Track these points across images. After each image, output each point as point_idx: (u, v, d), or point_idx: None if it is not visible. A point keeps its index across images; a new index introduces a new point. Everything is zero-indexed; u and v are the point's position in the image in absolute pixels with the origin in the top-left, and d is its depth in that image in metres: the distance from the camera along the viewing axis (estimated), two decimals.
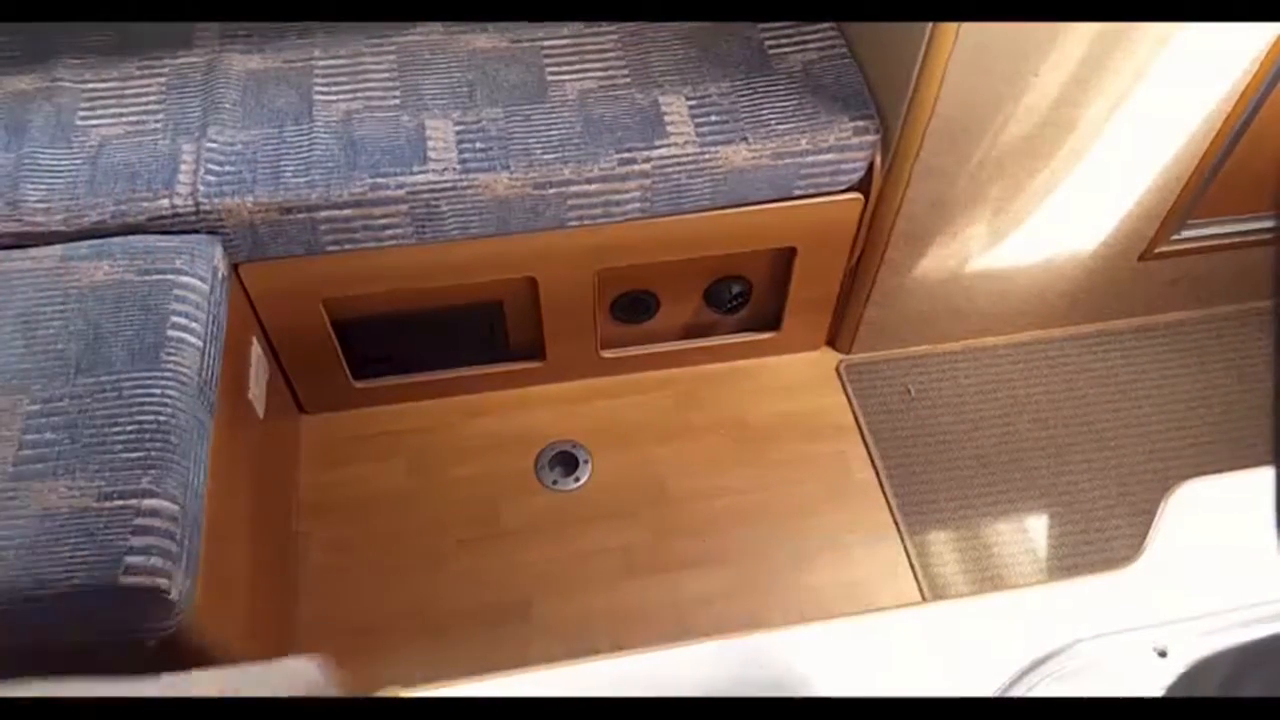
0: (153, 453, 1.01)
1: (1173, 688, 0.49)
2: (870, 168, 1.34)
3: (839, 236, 1.44)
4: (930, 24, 1.14)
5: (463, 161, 1.24)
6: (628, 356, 1.61)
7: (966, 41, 1.14)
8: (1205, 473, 0.82)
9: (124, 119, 1.28)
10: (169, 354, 1.08)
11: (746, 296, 1.57)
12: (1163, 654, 0.72)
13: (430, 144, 1.25)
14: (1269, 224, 1.59)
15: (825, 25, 1.41)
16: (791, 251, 1.46)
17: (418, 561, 1.43)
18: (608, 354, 1.59)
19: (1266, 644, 0.43)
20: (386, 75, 1.34)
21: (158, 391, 1.05)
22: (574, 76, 1.35)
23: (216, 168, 1.22)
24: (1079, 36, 1.17)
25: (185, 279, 1.15)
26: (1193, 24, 1.19)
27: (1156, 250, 1.59)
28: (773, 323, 1.62)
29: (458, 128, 1.28)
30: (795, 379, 1.67)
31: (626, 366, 1.63)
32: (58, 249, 1.17)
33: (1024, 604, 0.77)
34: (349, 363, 1.49)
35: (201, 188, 1.20)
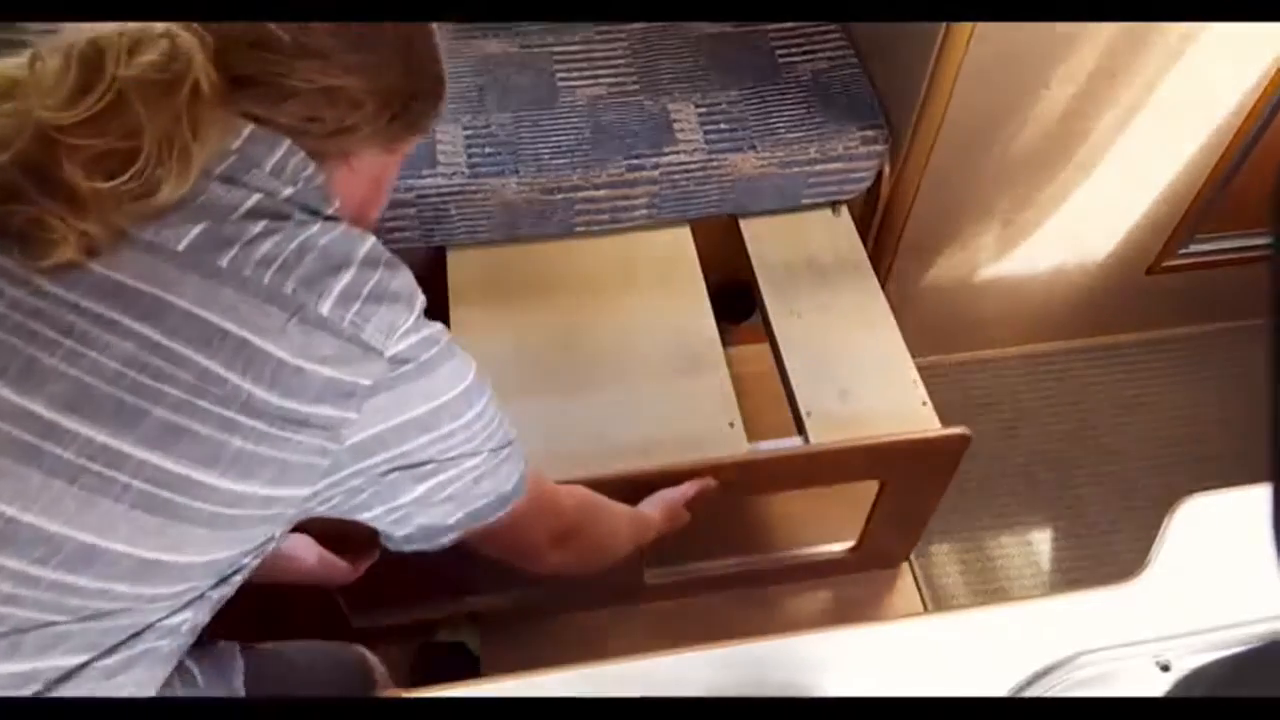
0: None
1: (1172, 691, 0.49)
2: (879, 177, 1.34)
3: (937, 472, 1.20)
4: (940, 34, 1.14)
5: (471, 166, 1.25)
6: (675, 583, 1.36)
7: (977, 52, 1.14)
8: (1211, 488, 0.82)
9: None
10: None
11: (752, 308, 1.57)
12: (1165, 668, 0.72)
13: (439, 148, 1.26)
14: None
15: (836, 34, 1.41)
16: (878, 480, 1.24)
17: None
18: (653, 579, 1.34)
19: (1261, 651, 0.44)
20: None
21: None
22: (584, 82, 1.35)
23: None
24: (1090, 49, 1.17)
25: None
26: (1204, 36, 1.19)
27: (1164, 264, 1.58)
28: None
29: (467, 132, 1.28)
30: None
31: (673, 592, 1.37)
32: None
33: (1027, 616, 0.77)
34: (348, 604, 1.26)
35: None
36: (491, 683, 0.71)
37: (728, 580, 1.39)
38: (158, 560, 0.53)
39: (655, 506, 1.00)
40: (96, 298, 0.52)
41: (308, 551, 0.90)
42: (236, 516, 0.55)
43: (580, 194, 1.27)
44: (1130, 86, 1.24)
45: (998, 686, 0.71)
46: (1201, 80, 1.25)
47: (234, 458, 0.53)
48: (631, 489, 1.01)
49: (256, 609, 1.11)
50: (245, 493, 0.54)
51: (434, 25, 0.67)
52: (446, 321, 1.25)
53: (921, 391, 1.18)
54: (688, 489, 1.04)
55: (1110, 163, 1.35)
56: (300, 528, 0.90)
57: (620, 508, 0.92)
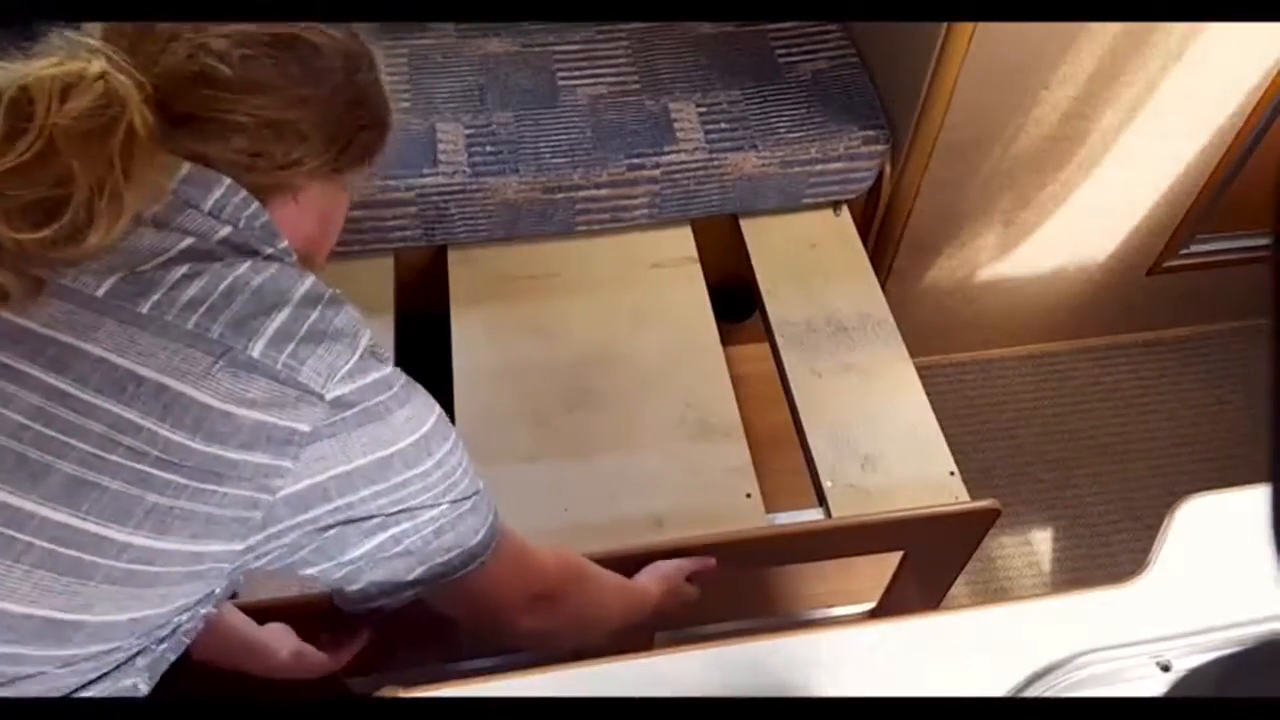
0: None
1: (1170, 691, 0.49)
2: (879, 177, 1.34)
3: (963, 542, 1.16)
4: (941, 35, 1.14)
5: (472, 165, 1.25)
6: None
7: (978, 52, 1.14)
8: (1211, 488, 0.82)
9: None
10: None
11: (752, 308, 1.57)
12: (1166, 668, 0.72)
13: (440, 147, 1.26)
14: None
15: (837, 34, 1.41)
16: (900, 552, 1.22)
17: None
18: (663, 641, 1.27)
19: (1260, 650, 0.44)
20: (398, 78, 1.35)
21: None
22: (585, 82, 1.35)
23: None
24: (1090, 49, 1.17)
25: None
26: (1205, 37, 1.19)
27: (1165, 265, 1.58)
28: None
29: (468, 131, 1.28)
30: None
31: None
32: None
33: (1027, 616, 0.77)
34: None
35: None
36: (491, 682, 0.71)
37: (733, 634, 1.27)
38: (68, 620, 0.49)
39: (653, 579, 0.92)
40: (1, 346, 0.49)
41: (282, 643, 0.85)
42: (158, 574, 0.51)
43: (581, 193, 1.27)
44: (1131, 87, 1.24)
45: (998, 686, 0.71)
46: (1202, 80, 1.25)
47: (148, 512, 0.50)
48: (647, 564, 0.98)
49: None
50: (164, 549, 0.51)
51: (378, 55, 0.64)
52: (447, 320, 1.27)
53: (949, 459, 1.13)
54: (685, 563, 0.96)
55: (1111, 163, 1.35)
56: (281, 614, 0.86)
57: (611, 576, 0.84)
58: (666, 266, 1.33)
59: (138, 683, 0.56)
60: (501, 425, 1.16)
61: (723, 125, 1.30)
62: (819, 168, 1.30)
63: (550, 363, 1.22)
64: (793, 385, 1.20)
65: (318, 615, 1.01)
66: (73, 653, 0.51)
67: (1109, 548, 1.51)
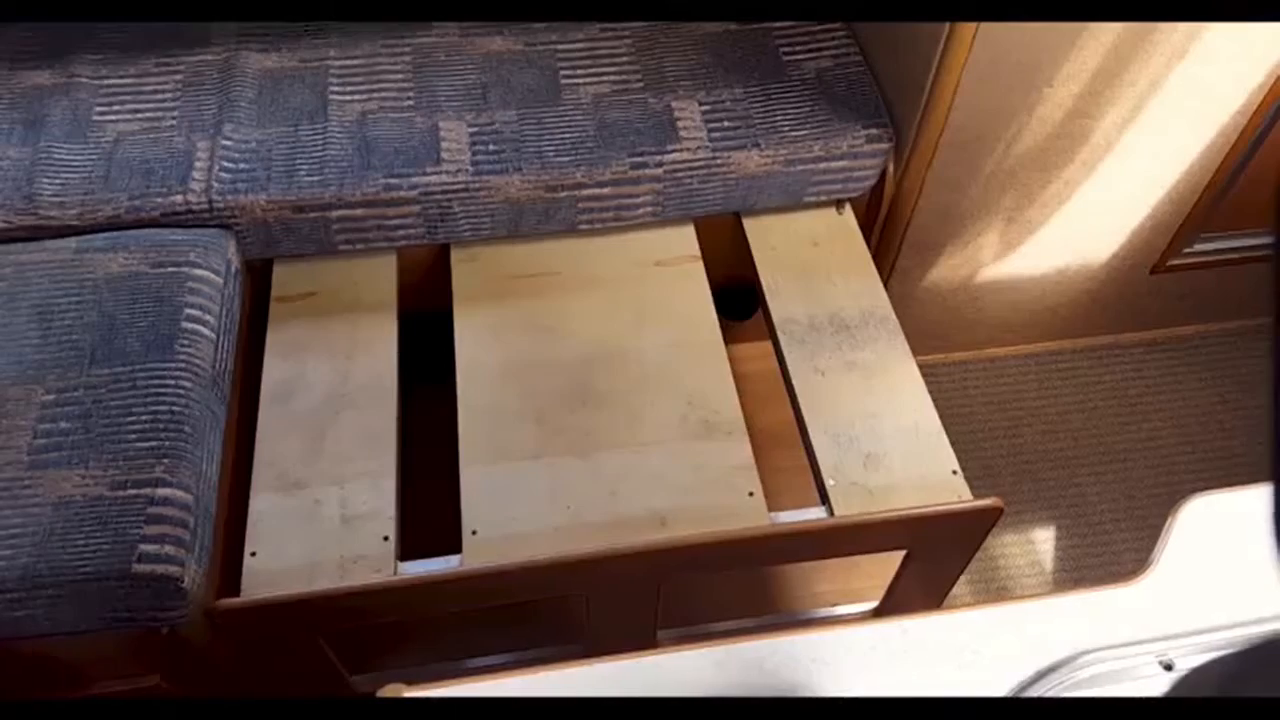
0: (166, 443, 1.02)
1: (1173, 690, 0.49)
2: (883, 175, 1.34)
3: (966, 541, 1.16)
4: (945, 33, 1.14)
5: (475, 163, 1.25)
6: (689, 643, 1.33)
7: (981, 51, 1.14)
8: (1214, 487, 0.82)
9: (140, 115, 1.29)
10: (183, 345, 1.09)
11: (755, 306, 1.57)
12: (1168, 667, 0.72)
13: (444, 145, 1.26)
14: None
15: (840, 33, 1.41)
16: (903, 551, 1.21)
17: None
18: (666, 640, 1.30)
19: (1265, 646, 0.44)
20: (401, 76, 1.35)
21: (171, 382, 1.06)
22: (588, 80, 1.35)
23: (231, 165, 1.23)
24: (1094, 47, 1.17)
25: (199, 272, 1.16)
26: (1209, 34, 1.18)
27: (1169, 263, 1.58)
28: None
29: (471, 129, 1.28)
30: None
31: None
32: (72, 241, 1.18)
33: (1029, 615, 0.77)
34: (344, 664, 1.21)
35: (215, 184, 1.21)
36: (491, 682, 0.71)
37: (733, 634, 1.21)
38: None
39: None
40: None
41: None
42: None
43: (584, 191, 1.27)
44: (1135, 85, 1.23)
45: (1000, 686, 0.71)
46: (1206, 79, 1.24)
47: None
48: (652, 563, 0.98)
49: (250, 669, 1.09)
50: None
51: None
52: (450, 318, 1.27)
53: (951, 458, 1.13)
54: None
55: (1114, 161, 1.35)
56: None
57: None
58: (669, 265, 1.33)
59: None
60: (504, 423, 1.16)
61: (726, 124, 1.30)
62: (822, 166, 1.30)
63: (553, 361, 1.22)
64: (795, 383, 1.20)
65: (321, 612, 1.01)
66: None
67: (1111, 546, 1.51)
